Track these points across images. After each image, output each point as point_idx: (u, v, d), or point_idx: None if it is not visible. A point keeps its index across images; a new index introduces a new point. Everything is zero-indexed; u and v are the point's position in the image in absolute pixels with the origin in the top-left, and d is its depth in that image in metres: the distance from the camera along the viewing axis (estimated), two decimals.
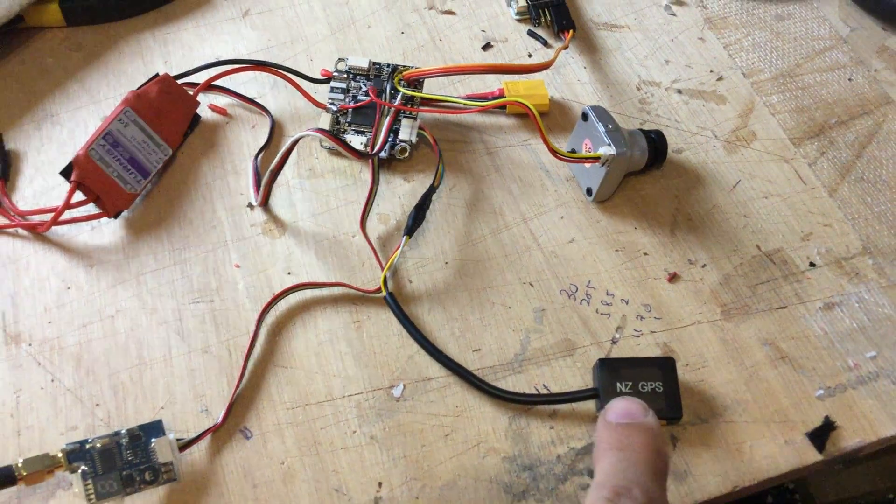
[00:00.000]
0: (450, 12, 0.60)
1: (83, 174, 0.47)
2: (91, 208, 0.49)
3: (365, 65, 0.53)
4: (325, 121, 0.53)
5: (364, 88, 0.53)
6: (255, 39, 0.58)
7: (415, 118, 0.52)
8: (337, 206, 0.50)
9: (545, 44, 0.58)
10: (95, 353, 0.45)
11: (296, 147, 0.48)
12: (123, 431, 0.40)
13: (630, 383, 0.42)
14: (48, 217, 0.48)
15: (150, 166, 0.50)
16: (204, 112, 0.54)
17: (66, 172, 0.47)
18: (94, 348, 0.45)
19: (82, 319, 0.46)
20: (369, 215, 0.50)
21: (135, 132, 0.49)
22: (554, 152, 0.47)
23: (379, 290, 0.47)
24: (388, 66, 0.53)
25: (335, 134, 0.51)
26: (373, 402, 0.43)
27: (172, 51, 0.57)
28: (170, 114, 0.51)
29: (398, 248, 0.47)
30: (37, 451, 0.41)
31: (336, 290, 0.47)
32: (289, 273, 0.48)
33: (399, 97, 0.52)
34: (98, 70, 0.56)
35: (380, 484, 0.41)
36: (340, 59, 0.54)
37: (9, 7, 0.54)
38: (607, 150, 0.47)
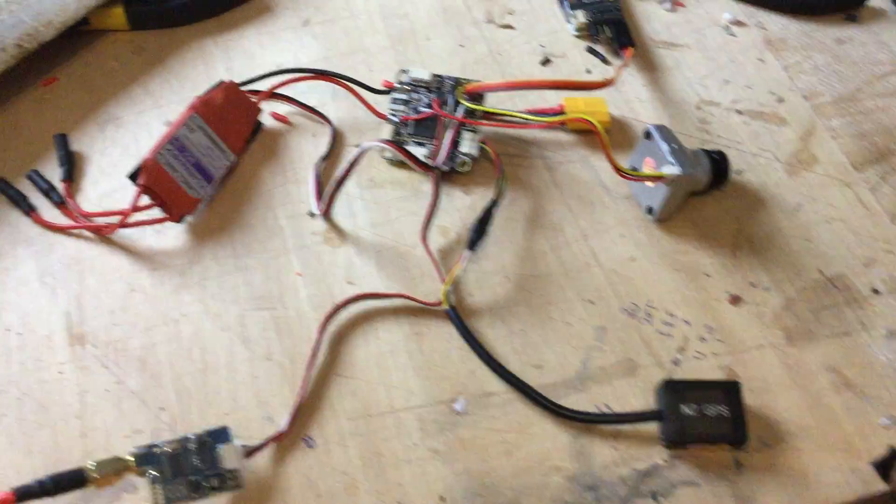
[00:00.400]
0: (508, 26, 0.60)
1: (151, 178, 0.47)
2: (155, 212, 0.49)
3: (427, 77, 0.54)
4: (386, 131, 0.53)
5: (425, 100, 0.53)
6: (314, 48, 0.58)
7: (475, 131, 0.52)
8: (397, 216, 0.51)
9: (604, 60, 0.58)
10: (160, 357, 0.45)
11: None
12: (192, 437, 0.40)
13: (695, 406, 0.42)
14: (113, 219, 0.49)
15: (214, 172, 0.50)
16: (265, 119, 0.54)
17: (133, 176, 0.47)
18: (159, 352, 0.45)
19: (146, 322, 0.46)
20: (430, 227, 0.50)
21: (201, 138, 0.50)
22: (619, 170, 0.47)
23: (439, 303, 0.47)
24: (451, 79, 0.54)
25: (401, 145, 0.51)
26: (435, 416, 0.43)
27: (234, 57, 0.58)
28: (234, 121, 0.52)
29: (460, 262, 0.47)
30: (102, 453, 0.41)
31: (396, 302, 0.47)
32: (349, 283, 0.48)
33: (462, 110, 0.52)
34: (161, 74, 0.56)
35: (442, 498, 0.41)
36: (403, 71, 0.54)
37: (76, 10, 0.55)
38: (671, 169, 0.47)
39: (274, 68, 0.55)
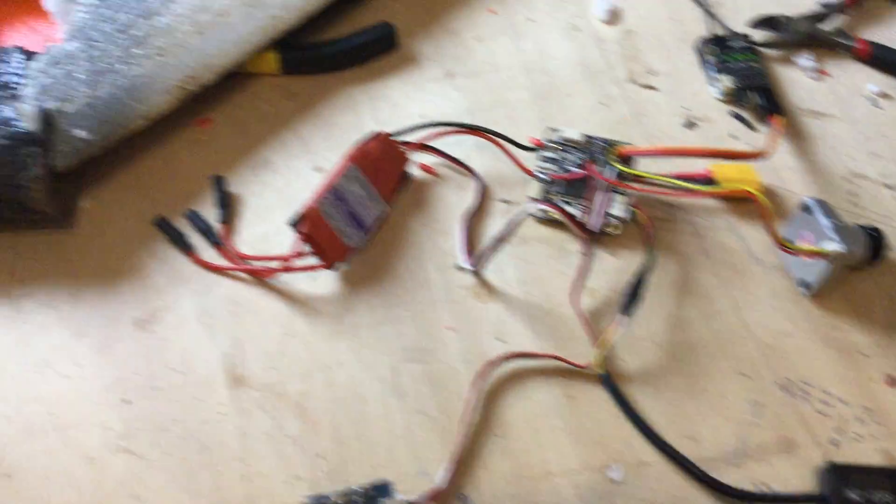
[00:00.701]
0: (650, 87, 0.60)
1: (312, 227, 0.48)
2: (310, 258, 0.50)
3: (577, 136, 0.54)
4: (534, 189, 0.53)
5: (573, 160, 0.54)
6: (458, 101, 0.59)
7: (625, 194, 0.52)
8: (545, 275, 0.51)
9: (750, 126, 0.58)
10: (316, 404, 0.46)
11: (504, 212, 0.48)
12: (358, 489, 0.40)
13: (860, 492, 0.41)
14: (271, 264, 0.50)
15: (367, 221, 0.51)
16: (413, 170, 0.55)
17: (294, 223, 0.49)
18: (315, 398, 0.46)
19: (303, 368, 0.47)
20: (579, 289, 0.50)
21: (356, 188, 0.51)
22: (780, 244, 0.47)
23: (590, 366, 0.47)
24: (601, 140, 0.54)
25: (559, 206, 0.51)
26: (591, 483, 0.43)
27: (379, 107, 0.59)
28: (386, 171, 0.53)
29: (615, 327, 0.47)
30: (264, 498, 0.42)
31: (547, 362, 0.47)
32: (499, 339, 0.48)
33: (613, 173, 0.52)
34: (310, 120, 0.58)
35: None
36: (552, 129, 0.55)
37: (235, 55, 0.56)
38: (833, 246, 0.47)
39: (418, 119, 0.56)
